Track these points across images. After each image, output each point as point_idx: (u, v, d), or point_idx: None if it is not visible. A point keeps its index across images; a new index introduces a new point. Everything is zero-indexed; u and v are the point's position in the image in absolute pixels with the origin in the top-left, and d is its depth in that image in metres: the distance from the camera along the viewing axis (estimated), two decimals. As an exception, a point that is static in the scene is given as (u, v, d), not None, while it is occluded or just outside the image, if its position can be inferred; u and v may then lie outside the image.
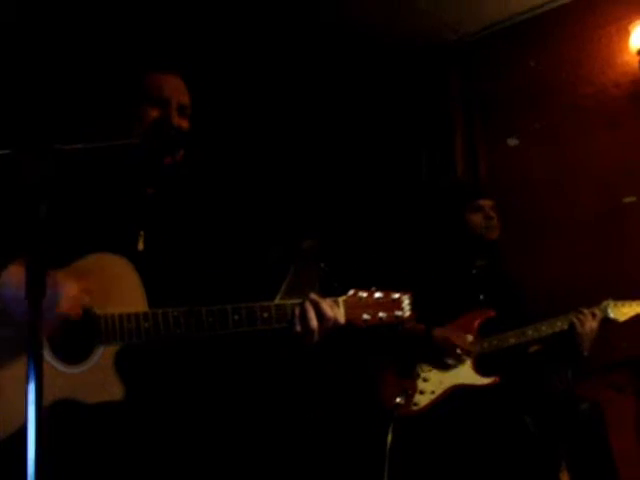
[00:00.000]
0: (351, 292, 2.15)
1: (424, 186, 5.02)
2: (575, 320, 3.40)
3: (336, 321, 2.07)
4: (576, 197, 4.38)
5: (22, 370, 1.71)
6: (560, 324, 3.43)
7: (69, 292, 1.86)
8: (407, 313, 2.17)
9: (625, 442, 3.71)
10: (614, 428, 3.47)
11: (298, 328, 2.04)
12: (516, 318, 3.53)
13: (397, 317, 2.16)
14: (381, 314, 2.15)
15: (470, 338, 3.50)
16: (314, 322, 2.03)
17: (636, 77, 4.26)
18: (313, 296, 2.08)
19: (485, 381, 3.44)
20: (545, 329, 3.45)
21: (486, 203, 3.74)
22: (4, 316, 1.86)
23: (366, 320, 2.13)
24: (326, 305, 2.06)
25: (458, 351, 3.43)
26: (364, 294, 2.16)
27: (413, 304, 2.18)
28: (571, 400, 3.47)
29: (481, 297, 3.67)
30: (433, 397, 3.43)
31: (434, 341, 3.45)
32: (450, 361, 3.46)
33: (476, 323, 3.53)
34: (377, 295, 2.17)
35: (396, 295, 2.18)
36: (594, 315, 3.41)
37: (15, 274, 1.84)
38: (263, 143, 4.63)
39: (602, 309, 3.45)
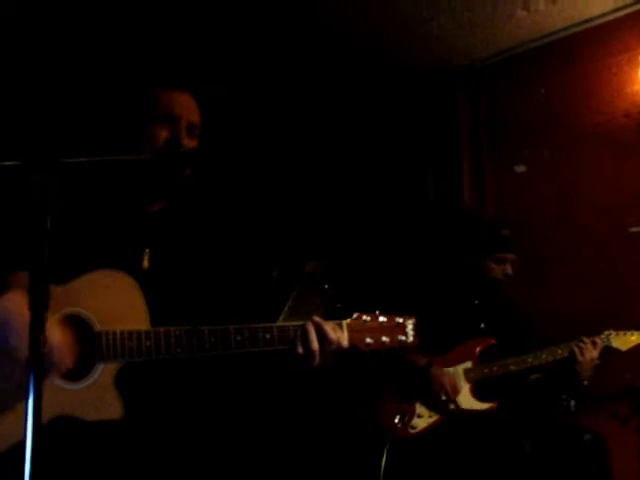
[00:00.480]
0: (355, 315, 2.13)
1: (430, 210, 5.01)
2: (575, 348, 3.41)
3: (339, 344, 2.05)
4: (582, 225, 4.37)
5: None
6: (560, 352, 3.46)
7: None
8: (410, 338, 2.15)
9: (627, 474, 3.68)
10: (616, 459, 3.44)
11: (299, 350, 2.02)
12: (517, 346, 3.54)
13: (400, 342, 2.14)
14: (384, 338, 2.13)
15: (469, 365, 3.52)
16: (315, 344, 2.01)
17: (646, 107, 4.26)
18: (316, 318, 2.06)
19: (483, 406, 3.45)
20: (545, 357, 3.47)
21: (509, 257, 3.74)
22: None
23: (369, 344, 2.11)
24: (329, 327, 2.05)
25: (443, 397, 3.43)
26: (368, 318, 2.14)
27: (417, 329, 2.16)
28: (574, 431, 3.45)
29: (482, 326, 3.69)
30: (431, 421, 3.45)
31: (429, 377, 3.46)
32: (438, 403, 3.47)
33: (477, 350, 3.57)
34: (381, 319, 2.15)
35: (400, 319, 2.16)
36: (594, 344, 3.43)
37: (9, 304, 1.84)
38: (269, 164, 4.64)
39: (603, 338, 3.46)
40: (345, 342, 2.07)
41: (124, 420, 1.90)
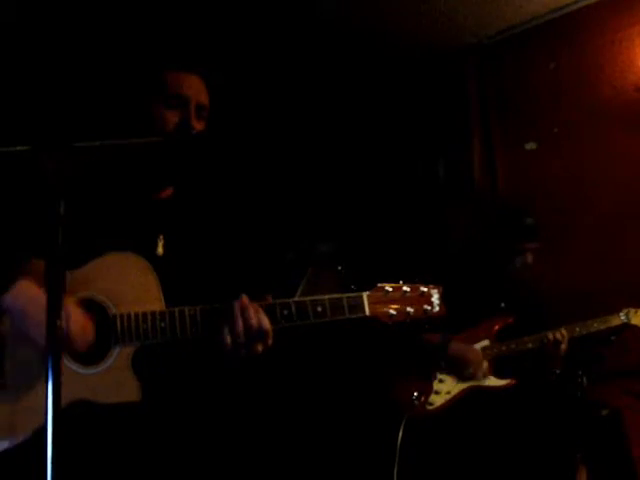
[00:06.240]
0: (377, 286, 2.04)
1: (441, 189, 5.01)
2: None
3: (261, 328, 1.93)
4: (595, 201, 4.34)
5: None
6: (579, 330, 3.45)
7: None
8: (436, 308, 2.06)
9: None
10: (631, 434, 3.44)
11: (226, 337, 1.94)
12: (535, 325, 3.54)
13: (426, 311, 2.05)
14: (409, 309, 2.04)
15: (486, 343, 3.53)
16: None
17: (657, 81, 4.23)
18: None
19: (501, 383, 3.46)
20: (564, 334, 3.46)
21: (531, 246, 3.75)
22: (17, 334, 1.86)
23: (392, 315, 2.02)
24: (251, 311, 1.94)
25: (470, 370, 3.44)
26: (390, 288, 2.04)
27: (443, 299, 2.08)
28: (591, 406, 3.46)
29: (502, 305, 3.69)
30: (448, 397, 3.46)
31: (449, 354, 3.47)
32: (462, 374, 3.48)
33: (495, 328, 3.58)
34: (404, 289, 2.05)
35: (424, 289, 2.07)
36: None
37: (24, 290, 1.84)
38: (281, 146, 4.62)
39: (622, 315, 3.48)
40: (267, 326, 1.94)
41: (141, 403, 1.90)
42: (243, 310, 1.93)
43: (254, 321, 1.92)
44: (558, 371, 3.48)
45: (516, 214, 3.79)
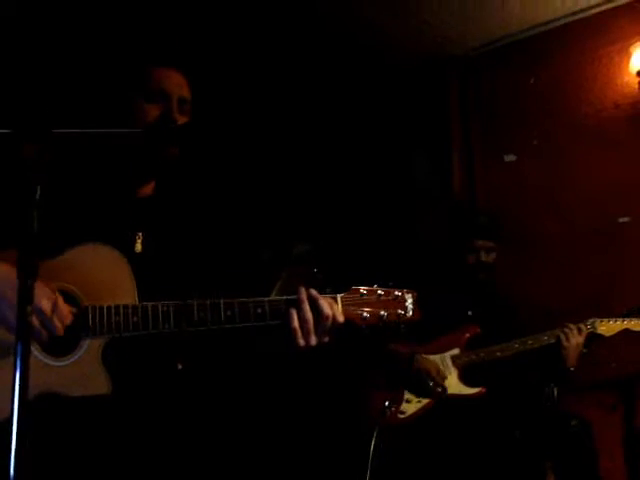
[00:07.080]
0: (351, 289, 2.05)
1: (419, 196, 5.02)
2: (561, 334, 3.45)
3: (335, 320, 1.96)
4: (571, 215, 4.39)
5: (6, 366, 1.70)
6: (546, 338, 3.50)
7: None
8: (410, 312, 2.06)
9: (611, 460, 3.71)
10: (600, 446, 3.47)
11: (294, 323, 1.94)
12: (505, 334, 3.55)
13: (399, 315, 2.05)
14: (382, 312, 2.04)
15: (456, 352, 3.53)
16: (309, 314, 1.93)
17: (635, 99, 4.28)
18: (311, 290, 1.98)
19: (471, 391, 3.46)
20: (531, 342, 3.51)
21: (483, 245, 3.75)
22: None
23: (365, 318, 2.03)
24: (324, 301, 1.96)
25: (430, 384, 3.44)
26: (364, 291, 2.05)
27: (418, 303, 2.08)
28: (560, 417, 3.47)
29: (469, 313, 3.69)
30: (420, 406, 3.45)
31: (413, 368, 3.46)
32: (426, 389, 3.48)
33: (465, 337, 3.58)
34: (379, 292, 2.06)
35: (398, 293, 2.08)
36: (580, 330, 3.46)
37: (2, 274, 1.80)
38: (260, 147, 4.62)
39: (589, 325, 3.48)
40: (341, 317, 1.97)
41: (110, 396, 1.87)
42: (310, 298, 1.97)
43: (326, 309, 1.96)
44: (573, 368, 3.46)
45: (470, 212, 3.81)
